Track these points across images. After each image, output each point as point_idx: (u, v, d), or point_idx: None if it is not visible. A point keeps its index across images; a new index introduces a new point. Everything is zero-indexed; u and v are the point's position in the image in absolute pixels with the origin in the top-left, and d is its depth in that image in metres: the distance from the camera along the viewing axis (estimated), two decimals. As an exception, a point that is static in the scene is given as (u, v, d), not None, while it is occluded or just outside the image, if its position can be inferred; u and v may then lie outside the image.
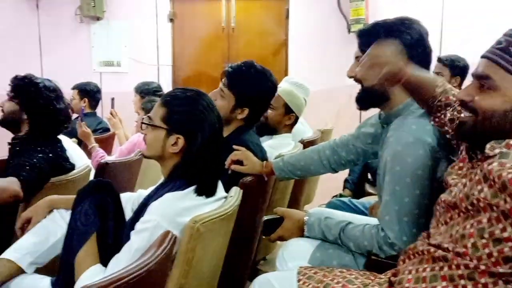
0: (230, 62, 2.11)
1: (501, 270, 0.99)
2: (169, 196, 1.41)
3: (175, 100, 1.50)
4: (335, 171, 1.92)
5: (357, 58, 1.69)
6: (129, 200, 1.69)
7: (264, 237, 1.78)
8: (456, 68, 3.37)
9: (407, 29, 1.50)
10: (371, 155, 1.83)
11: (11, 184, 1.79)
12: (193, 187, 1.45)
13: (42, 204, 1.66)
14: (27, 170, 1.85)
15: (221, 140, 1.57)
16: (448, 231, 1.13)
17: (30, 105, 2.09)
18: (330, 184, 3.67)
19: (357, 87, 1.64)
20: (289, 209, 1.78)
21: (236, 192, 1.61)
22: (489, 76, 1.10)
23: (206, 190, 1.47)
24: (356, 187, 3.55)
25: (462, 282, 1.04)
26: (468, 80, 1.20)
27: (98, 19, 5.11)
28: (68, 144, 2.25)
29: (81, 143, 3.08)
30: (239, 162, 1.88)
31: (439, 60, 3.45)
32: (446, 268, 1.08)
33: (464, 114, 1.19)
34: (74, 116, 3.39)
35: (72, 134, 2.85)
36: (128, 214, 1.61)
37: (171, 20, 5.16)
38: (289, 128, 2.68)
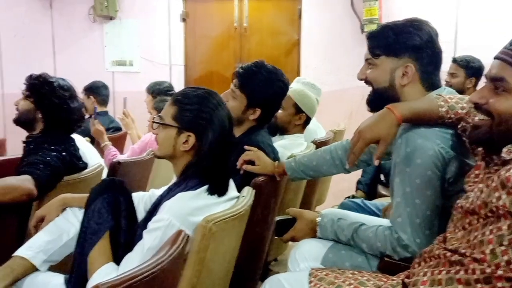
0: (242, 62, 2.11)
1: None
2: (181, 196, 1.41)
3: (185, 98, 1.51)
4: (348, 171, 1.91)
5: (367, 60, 1.69)
6: (141, 200, 1.69)
7: (276, 237, 1.77)
8: (471, 69, 3.35)
9: (416, 30, 1.49)
10: (384, 156, 1.82)
11: (24, 182, 1.80)
12: (205, 187, 1.45)
13: (55, 202, 1.66)
14: (40, 168, 1.86)
15: (232, 138, 1.58)
16: (465, 236, 1.11)
17: (44, 104, 2.11)
18: (342, 185, 3.66)
19: (369, 88, 1.63)
20: (301, 209, 1.77)
21: (248, 192, 1.61)
22: (504, 78, 1.08)
23: (218, 189, 1.48)
24: (368, 189, 3.54)
25: (479, 286, 1.03)
26: (484, 81, 1.17)
27: (111, 18, 5.14)
28: (81, 143, 2.28)
29: (93, 142, 3.10)
30: (251, 163, 1.88)
31: (454, 61, 3.42)
32: (462, 272, 1.06)
33: (479, 118, 1.17)
34: (87, 116, 3.42)
35: (84, 133, 2.87)
36: (140, 213, 1.62)
37: (184, 19, 5.16)
38: (301, 128, 2.67)
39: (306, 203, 2.74)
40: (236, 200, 1.54)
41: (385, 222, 1.63)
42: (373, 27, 4.44)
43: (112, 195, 1.50)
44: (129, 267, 1.28)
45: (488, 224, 1.05)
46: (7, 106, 5.25)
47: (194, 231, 1.34)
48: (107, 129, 3.74)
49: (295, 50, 5.08)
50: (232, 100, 2.00)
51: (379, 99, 1.57)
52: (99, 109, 3.93)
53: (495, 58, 1.12)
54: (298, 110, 2.60)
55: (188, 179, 1.48)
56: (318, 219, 1.64)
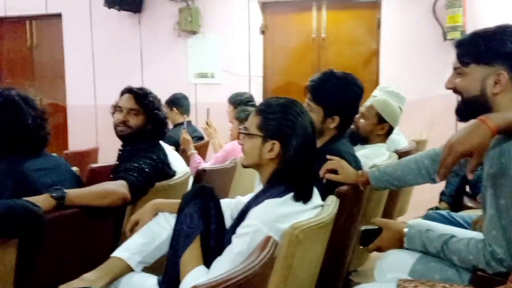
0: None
1: None
2: (268, 202, 1.45)
3: (269, 108, 1.57)
4: (434, 181, 1.86)
5: (455, 69, 1.64)
6: (228, 206, 1.75)
7: (361, 247, 1.76)
8: None
9: (509, 37, 1.44)
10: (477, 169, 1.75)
11: (120, 187, 1.90)
12: (291, 194, 1.48)
13: (149, 207, 1.77)
14: (135, 175, 1.97)
15: (315, 145, 1.61)
16: None
17: (156, 119, 2.27)
18: (424, 196, 3.53)
19: (453, 96, 1.59)
20: (387, 219, 1.75)
21: (333, 201, 1.62)
22: None
23: (303, 195, 1.50)
24: (453, 200, 3.39)
25: None
26: None
27: (194, 33, 5.37)
28: (169, 150, 2.38)
29: (177, 150, 3.23)
30: (334, 172, 1.88)
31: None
32: None
33: None
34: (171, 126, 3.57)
35: (169, 142, 3.01)
36: (227, 219, 1.67)
37: (263, 32, 5.28)
38: (383, 137, 2.63)
39: (388, 214, 2.69)
40: (321, 209, 1.56)
41: (475, 234, 1.58)
42: (457, 34, 4.29)
43: (203, 201, 1.57)
44: (219, 270, 1.34)
45: None
46: (99, 116, 5.62)
47: (280, 237, 1.37)
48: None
49: (373, 60, 5.02)
50: (310, 113, 2.02)
51: (469, 108, 1.52)
52: (182, 119, 4.09)
53: None
54: (380, 119, 2.57)
55: (274, 186, 1.52)
56: (406, 229, 1.60)
